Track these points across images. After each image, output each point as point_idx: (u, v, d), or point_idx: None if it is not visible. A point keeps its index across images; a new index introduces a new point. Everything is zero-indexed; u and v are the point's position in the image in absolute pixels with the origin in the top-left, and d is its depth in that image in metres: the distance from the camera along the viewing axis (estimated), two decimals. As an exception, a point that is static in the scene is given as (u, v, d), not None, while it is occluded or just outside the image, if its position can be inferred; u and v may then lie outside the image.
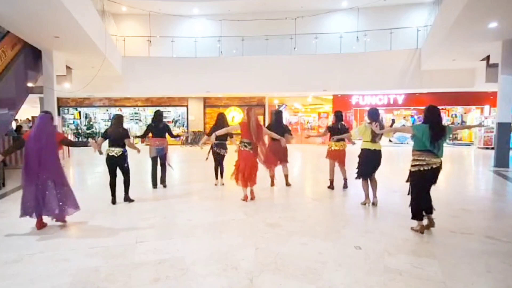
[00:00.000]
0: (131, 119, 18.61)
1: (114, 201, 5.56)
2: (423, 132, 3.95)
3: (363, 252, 3.55)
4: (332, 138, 6.46)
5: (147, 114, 18.91)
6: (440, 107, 4.15)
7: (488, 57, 10.96)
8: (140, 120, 19.02)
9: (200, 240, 3.95)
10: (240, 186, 5.69)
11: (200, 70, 14.81)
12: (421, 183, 4.06)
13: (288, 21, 15.19)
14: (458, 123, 17.53)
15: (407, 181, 4.23)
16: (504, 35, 8.89)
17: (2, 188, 6.92)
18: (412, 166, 4.10)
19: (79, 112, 18.80)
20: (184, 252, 3.58)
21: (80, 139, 17.68)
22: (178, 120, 19.00)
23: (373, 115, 5.21)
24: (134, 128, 17.97)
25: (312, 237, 3.98)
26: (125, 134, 5.56)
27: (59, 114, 15.45)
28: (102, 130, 18.59)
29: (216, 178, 7.08)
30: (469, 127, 4.41)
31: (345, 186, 6.54)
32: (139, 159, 11.09)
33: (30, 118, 14.63)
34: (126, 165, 5.61)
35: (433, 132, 3.91)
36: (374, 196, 5.38)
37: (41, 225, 4.34)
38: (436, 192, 4.17)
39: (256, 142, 5.50)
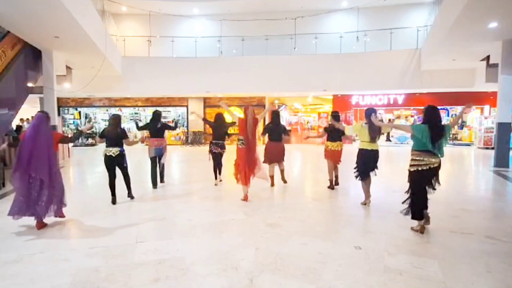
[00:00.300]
0: (131, 119, 18.61)
1: (114, 201, 5.56)
2: (422, 132, 3.95)
3: (363, 252, 3.55)
4: (330, 133, 6.52)
5: (147, 114, 18.90)
6: (440, 107, 4.15)
7: (488, 57, 10.95)
8: (140, 120, 19.01)
9: (200, 240, 3.95)
10: (240, 186, 5.70)
11: (200, 70, 14.80)
12: (420, 183, 4.06)
13: (288, 21, 15.19)
14: (458, 124, 17.54)
15: (408, 180, 4.23)
16: (504, 35, 8.89)
17: (2, 188, 6.93)
18: (410, 166, 4.11)
19: (79, 112, 18.79)
20: (184, 252, 3.58)
21: (80, 139, 17.67)
22: (178, 120, 18.99)
23: (370, 114, 5.23)
24: (134, 128, 17.95)
25: (312, 237, 3.98)
26: (123, 134, 5.56)
27: (59, 114, 15.44)
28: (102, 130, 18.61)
29: (216, 177, 7.10)
30: (460, 116, 4.38)
31: (336, 183, 6.62)
32: (139, 159, 11.13)
33: (30, 118, 14.63)
34: (125, 164, 5.62)
35: (432, 132, 3.90)
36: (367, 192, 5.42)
37: (41, 225, 4.35)
38: (436, 192, 4.16)
39: (251, 138, 5.53)
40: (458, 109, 17.63)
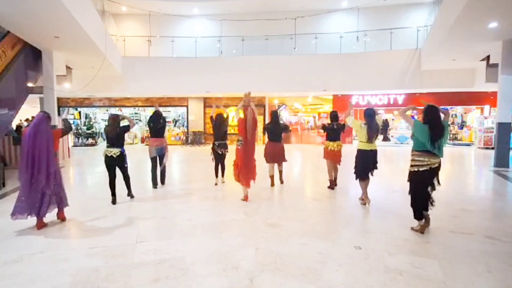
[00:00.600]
0: (132, 118, 18.60)
1: (114, 201, 5.56)
2: (422, 132, 3.94)
3: (363, 252, 3.55)
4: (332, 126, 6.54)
5: (147, 114, 18.90)
6: (440, 107, 4.14)
7: (488, 57, 10.95)
8: (140, 120, 19.01)
9: (200, 240, 3.95)
10: (240, 186, 5.70)
11: (200, 70, 14.80)
12: (420, 183, 4.06)
13: (288, 21, 15.18)
14: (458, 123, 17.55)
15: (408, 180, 4.22)
16: (504, 35, 8.89)
17: (2, 188, 6.92)
18: (411, 166, 4.10)
19: (79, 112, 18.79)
20: (184, 252, 3.58)
21: (80, 139, 17.68)
22: (178, 120, 19.00)
23: (369, 116, 5.25)
24: (134, 128, 17.93)
25: (312, 237, 3.98)
26: (123, 131, 5.57)
27: (59, 114, 15.43)
28: (102, 131, 18.59)
29: (216, 176, 7.13)
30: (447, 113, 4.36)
31: (335, 184, 6.62)
32: (139, 159, 11.13)
33: (29, 118, 14.63)
34: (125, 165, 5.62)
35: (433, 132, 3.89)
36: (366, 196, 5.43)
37: (41, 225, 4.35)
38: (436, 192, 4.16)
39: (250, 140, 5.53)
40: (458, 109, 17.65)
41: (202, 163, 10.43)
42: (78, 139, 17.71)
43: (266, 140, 6.98)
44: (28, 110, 16.75)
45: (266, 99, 18.11)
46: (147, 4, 15.26)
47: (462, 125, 17.44)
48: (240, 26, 15.56)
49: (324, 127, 6.63)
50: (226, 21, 15.82)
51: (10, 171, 8.66)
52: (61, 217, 4.62)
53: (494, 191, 6.94)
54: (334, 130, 6.46)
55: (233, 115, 17.59)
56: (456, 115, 17.68)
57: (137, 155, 12.14)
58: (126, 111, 18.40)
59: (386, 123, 17.08)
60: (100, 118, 19.04)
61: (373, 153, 5.30)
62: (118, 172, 5.63)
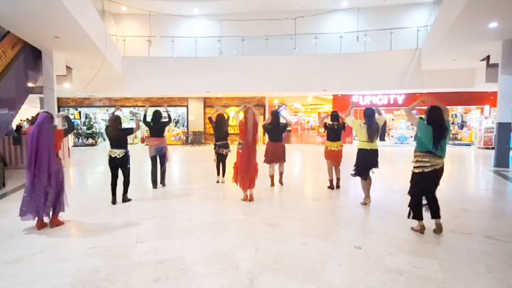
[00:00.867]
0: (131, 119, 18.59)
1: (114, 201, 5.56)
2: (426, 133, 3.92)
3: (363, 252, 3.55)
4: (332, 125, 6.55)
5: (147, 114, 18.87)
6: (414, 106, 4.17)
7: (488, 57, 10.95)
8: (137, 114, 18.98)
9: (200, 240, 3.95)
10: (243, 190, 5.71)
11: (200, 70, 14.80)
12: (423, 184, 4.05)
13: (288, 21, 15.18)
14: (458, 123, 17.55)
15: (411, 181, 4.21)
16: (504, 35, 8.89)
17: (2, 188, 6.92)
18: (415, 167, 4.08)
19: (79, 112, 18.78)
20: (184, 252, 3.58)
21: (80, 139, 17.67)
22: (178, 120, 18.99)
23: (369, 115, 5.26)
24: (132, 125, 17.92)
25: (312, 237, 3.98)
26: (126, 133, 5.57)
27: (58, 111, 15.43)
28: (102, 130, 18.58)
29: (218, 174, 7.18)
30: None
31: (338, 186, 6.58)
32: (139, 159, 11.13)
33: (29, 118, 14.63)
34: (128, 166, 5.63)
35: (435, 133, 3.88)
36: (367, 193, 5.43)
37: (41, 225, 4.35)
38: (437, 192, 4.15)
39: (252, 143, 5.51)
40: (458, 109, 17.65)
41: (202, 163, 10.43)
42: (78, 139, 17.70)
43: (267, 140, 6.98)
44: (28, 110, 16.76)
45: (266, 99, 18.11)
46: (147, 4, 15.25)
47: (462, 125, 17.44)
48: (240, 26, 15.56)
49: (325, 125, 6.64)
50: (226, 21, 15.82)
51: (10, 171, 8.66)
52: (55, 223, 4.43)
53: (494, 191, 6.95)
54: (335, 130, 6.47)
55: (233, 115, 17.63)
56: (456, 115, 17.68)
57: (137, 155, 12.15)
58: (126, 111, 18.39)
59: (384, 123, 17.07)
60: (100, 118, 19.03)
61: (374, 152, 5.30)
62: (120, 173, 5.63)
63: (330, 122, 6.64)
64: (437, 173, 3.97)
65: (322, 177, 7.37)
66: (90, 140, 17.69)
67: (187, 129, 18.24)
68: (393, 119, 18.59)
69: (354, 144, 14.74)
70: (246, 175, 5.52)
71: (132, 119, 18.30)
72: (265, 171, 6.85)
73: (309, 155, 13.12)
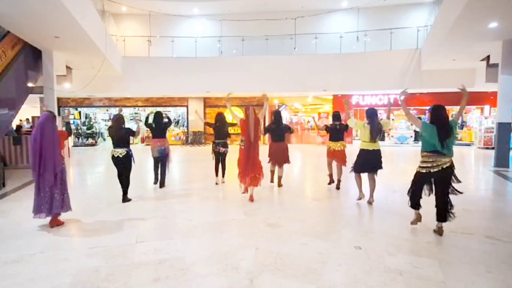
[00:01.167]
0: (131, 119, 18.60)
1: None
2: (430, 132, 3.90)
3: (363, 252, 3.55)
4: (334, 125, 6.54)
5: (149, 117, 18.86)
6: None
7: (488, 57, 10.95)
8: (140, 120, 18.98)
9: (200, 240, 3.95)
10: (243, 184, 5.72)
11: (200, 70, 14.79)
12: (423, 180, 4.06)
13: (288, 21, 15.17)
14: (458, 123, 17.52)
15: (415, 175, 4.21)
16: (504, 35, 8.88)
17: (2, 188, 6.92)
18: (420, 167, 4.06)
19: (79, 112, 18.78)
20: (184, 252, 3.58)
21: (80, 139, 17.68)
22: (178, 120, 18.99)
23: (371, 115, 5.27)
24: (134, 128, 17.91)
25: (312, 237, 3.98)
26: (128, 133, 5.58)
27: (59, 114, 15.42)
28: (102, 130, 18.59)
29: (217, 175, 7.12)
30: (463, 106, 4.44)
31: (338, 187, 6.57)
32: (139, 159, 11.12)
33: (29, 118, 14.63)
34: (129, 166, 5.64)
35: (440, 131, 3.86)
36: (371, 195, 5.43)
37: (55, 223, 4.37)
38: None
39: (254, 140, 5.52)
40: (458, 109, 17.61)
41: (202, 163, 10.43)
42: (78, 139, 17.71)
43: (268, 140, 6.97)
44: (28, 110, 16.75)
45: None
46: (147, 4, 15.25)
47: (462, 125, 17.42)
48: (240, 26, 15.55)
49: (327, 128, 6.63)
50: (226, 21, 15.82)
51: (10, 171, 8.67)
52: (55, 223, 4.41)
53: (494, 191, 6.95)
54: (337, 131, 6.46)
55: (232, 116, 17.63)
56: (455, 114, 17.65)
57: (138, 155, 12.13)
58: (126, 111, 18.39)
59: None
60: (100, 118, 19.04)
61: (376, 152, 5.30)
62: None
63: (332, 122, 6.63)
64: (446, 172, 3.91)
65: (322, 177, 7.37)
66: (90, 140, 17.70)
67: (187, 129, 18.24)
68: (393, 119, 18.58)
69: (354, 144, 14.75)
70: (247, 171, 5.52)
71: (133, 120, 18.41)
72: (266, 169, 6.84)
73: (309, 155, 13.12)
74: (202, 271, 3.14)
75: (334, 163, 6.66)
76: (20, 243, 3.89)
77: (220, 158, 7.09)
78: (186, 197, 6.15)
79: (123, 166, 5.59)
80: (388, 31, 14.44)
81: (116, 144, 5.52)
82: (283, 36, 15.07)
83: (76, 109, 18.72)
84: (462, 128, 17.30)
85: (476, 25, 8.29)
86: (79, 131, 18.05)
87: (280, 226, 4.39)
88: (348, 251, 3.57)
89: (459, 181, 4.03)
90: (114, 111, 18.40)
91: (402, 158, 11.92)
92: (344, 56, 14.62)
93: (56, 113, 10.73)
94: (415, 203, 4.17)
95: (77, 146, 17.16)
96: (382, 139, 17.02)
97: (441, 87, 14.57)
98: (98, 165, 10.82)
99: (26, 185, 7.13)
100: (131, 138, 5.68)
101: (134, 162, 5.70)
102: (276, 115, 6.87)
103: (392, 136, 17.47)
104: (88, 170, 10.04)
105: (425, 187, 4.10)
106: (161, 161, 6.80)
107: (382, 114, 17.60)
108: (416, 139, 16.63)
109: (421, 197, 4.14)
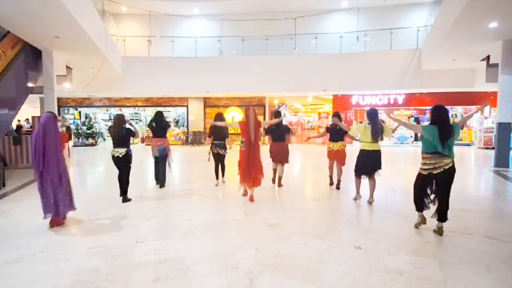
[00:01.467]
0: (131, 119, 18.63)
1: (122, 193, 5.71)
2: (432, 133, 3.88)
3: (363, 252, 3.55)
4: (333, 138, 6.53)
5: (147, 114, 18.91)
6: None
7: (488, 57, 10.95)
8: (140, 120, 19.02)
9: (200, 240, 3.95)
10: (243, 185, 5.72)
11: (200, 70, 14.80)
12: (424, 183, 4.05)
13: (288, 21, 15.18)
14: (465, 124, 17.52)
15: (417, 176, 4.20)
16: (504, 35, 8.89)
17: (2, 188, 6.92)
18: (422, 169, 4.06)
19: (79, 112, 18.79)
20: (184, 252, 3.58)
21: (80, 139, 17.68)
22: (178, 120, 19.00)
23: (372, 115, 5.27)
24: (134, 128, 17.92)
25: (312, 237, 3.98)
26: (128, 133, 5.59)
27: (59, 114, 15.44)
28: (102, 130, 18.59)
29: (217, 178, 7.07)
30: (470, 115, 4.47)
31: (338, 187, 6.57)
32: (139, 159, 11.12)
33: (29, 118, 14.63)
34: (130, 165, 5.64)
35: (441, 132, 3.85)
36: (371, 195, 5.43)
37: (54, 223, 4.37)
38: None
39: (255, 140, 5.51)
40: (458, 109, 17.63)
41: (202, 163, 10.40)
42: (78, 139, 17.71)
43: (268, 141, 6.96)
44: (28, 110, 16.76)
45: (266, 99, 18.12)
46: (147, 4, 15.25)
47: (462, 125, 17.42)
48: (240, 26, 15.56)
49: (327, 128, 6.64)
50: (226, 21, 15.82)
51: (10, 171, 8.67)
52: (55, 223, 4.39)
53: (494, 191, 6.95)
54: (337, 131, 6.46)
55: (232, 115, 17.67)
56: (456, 115, 17.68)
57: (137, 155, 12.13)
58: (126, 111, 18.41)
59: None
60: (100, 118, 19.04)
61: (376, 153, 5.29)
62: None
63: (331, 123, 6.64)
64: (448, 173, 3.90)
65: (322, 177, 7.38)
66: (90, 140, 17.70)
67: (187, 129, 18.25)
68: (392, 136, 18.57)
69: (354, 144, 14.74)
70: (247, 172, 5.52)
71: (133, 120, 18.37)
72: (268, 170, 6.84)
73: (309, 155, 13.12)
74: (202, 271, 3.14)
75: (335, 164, 6.68)
76: (20, 243, 3.89)
77: (219, 160, 7.03)
78: (186, 197, 6.15)
79: (124, 165, 5.59)
80: (388, 31, 14.45)
81: (116, 144, 5.52)
82: (283, 36, 15.07)
83: (76, 109, 18.73)
84: (462, 128, 17.30)
85: (476, 25, 8.29)
86: (79, 131, 18.05)
87: (280, 226, 4.39)
88: (348, 251, 3.57)
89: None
90: (114, 111, 18.42)
91: (402, 158, 11.92)
92: (344, 56, 14.63)
93: (56, 113, 10.75)
94: (420, 207, 4.13)
95: (77, 146, 17.16)
96: (382, 138, 17.04)
97: (441, 87, 14.57)
98: (98, 165, 10.82)
99: (26, 185, 7.13)
100: (131, 138, 5.68)
101: (130, 165, 5.69)
102: (276, 115, 6.86)
103: (392, 136, 17.45)
104: (88, 170, 10.03)
105: (427, 189, 4.10)
106: (161, 161, 6.80)
107: (381, 114, 17.70)
108: (416, 139, 16.63)
109: (426, 199, 4.10)
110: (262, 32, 15.13)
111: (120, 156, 5.48)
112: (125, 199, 5.69)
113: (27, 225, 4.42)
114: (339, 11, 16.04)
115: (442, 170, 3.88)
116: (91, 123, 18.50)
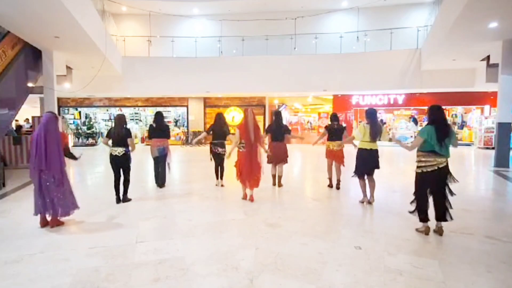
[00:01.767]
0: (131, 119, 18.62)
1: (118, 201, 5.59)
2: (429, 134, 3.90)
3: (363, 252, 3.55)
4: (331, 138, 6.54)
5: (147, 114, 18.90)
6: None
7: (488, 57, 10.95)
8: (140, 120, 19.01)
9: (200, 240, 3.95)
10: (240, 186, 5.71)
11: (200, 70, 14.80)
12: (426, 184, 4.03)
13: (288, 21, 15.18)
14: (459, 123, 17.54)
15: (415, 181, 4.18)
16: (504, 35, 8.89)
17: (2, 188, 6.92)
18: (417, 167, 4.06)
19: (79, 112, 18.78)
20: (184, 252, 3.58)
21: (80, 139, 17.68)
22: (178, 120, 19.00)
23: (371, 114, 5.28)
24: (134, 128, 17.97)
25: (312, 237, 3.98)
26: (127, 134, 5.58)
27: (59, 114, 15.44)
28: (103, 130, 18.59)
29: (217, 178, 7.05)
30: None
31: (338, 187, 6.56)
32: (140, 159, 11.13)
33: (28, 119, 14.62)
34: (128, 165, 5.63)
35: (439, 131, 3.87)
36: (371, 195, 5.43)
37: (44, 223, 4.35)
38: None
39: (254, 141, 5.49)
40: (458, 109, 17.63)
41: (202, 163, 10.42)
42: (78, 139, 17.71)
43: (268, 140, 6.95)
44: (28, 110, 16.75)
45: (266, 99, 18.11)
46: (147, 4, 15.25)
47: (462, 125, 17.42)
48: (240, 26, 15.56)
49: (326, 127, 6.67)
50: (226, 21, 15.82)
51: (10, 171, 8.67)
52: (55, 223, 4.39)
53: (494, 191, 6.95)
54: (335, 130, 6.48)
55: (232, 115, 17.66)
56: (456, 115, 17.68)
57: (137, 155, 12.14)
58: (126, 111, 18.40)
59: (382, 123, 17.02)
60: (100, 118, 19.04)
61: (374, 152, 5.30)
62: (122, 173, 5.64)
63: (330, 123, 6.66)
64: (442, 172, 3.92)
65: (322, 177, 7.37)
66: (90, 140, 17.70)
67: (187, 129, 18.24)
68: (393, 119, 18.57)
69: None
70: (247, 174, 5.51)
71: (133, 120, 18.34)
72: (267, 170, 6.84)
73: (309, 155, 13.12)
74: (202, 271, 3.14)
75: (333, 164, 6.67)
76: (20, 243, 3.89)
77: (218, 160, 6.92)
78: (186, 197, 6.15)
79: (123, 165, 5.57)
80: (388, 31, 14.45)
81: (115, 143, 5.51)
82: (283, 36, 15.07)
83: (76, 109, 18.72)
84: (462, 128, 17.30)
85: (476, 25, 8.29)
86: (79, 131, 18.05)
87: (280, 226, 4.39)
88: (348, 251, 3.57)
89: (456, 181, 4.05)
90: (114, 111, 18.42)
91: (402, 158, 11.92)
92: (344, 56, 14.63)
93: (56, 113, 10.75)
94: (424, 216, 4.04)
95: (77, 146, 17.15)
96: (380, 139, 17.02)
97: (441, 87, 14.57)
98: (98, 165, 10.82)
99: (26, 185, 7.12)
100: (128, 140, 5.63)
101: (129, 165, 5.65)
102: (277, 115, 6.86)
103: (390, 140, 17.44)
104: (88, 170, 10.03)
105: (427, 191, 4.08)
106: (161, 161, 6.79)
107: (381, 114, 17.70)
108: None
109: (427, 207, 4.05)
110: (262, 32, 15.13)
111: (119, 155, 5.47)
112: (125, 199, 5.68)
113: (27, 225, 4.42)
114: (339, 11, 16.04)
115: (436, 168, 3.91)
116: (91, 123, 18.50)
